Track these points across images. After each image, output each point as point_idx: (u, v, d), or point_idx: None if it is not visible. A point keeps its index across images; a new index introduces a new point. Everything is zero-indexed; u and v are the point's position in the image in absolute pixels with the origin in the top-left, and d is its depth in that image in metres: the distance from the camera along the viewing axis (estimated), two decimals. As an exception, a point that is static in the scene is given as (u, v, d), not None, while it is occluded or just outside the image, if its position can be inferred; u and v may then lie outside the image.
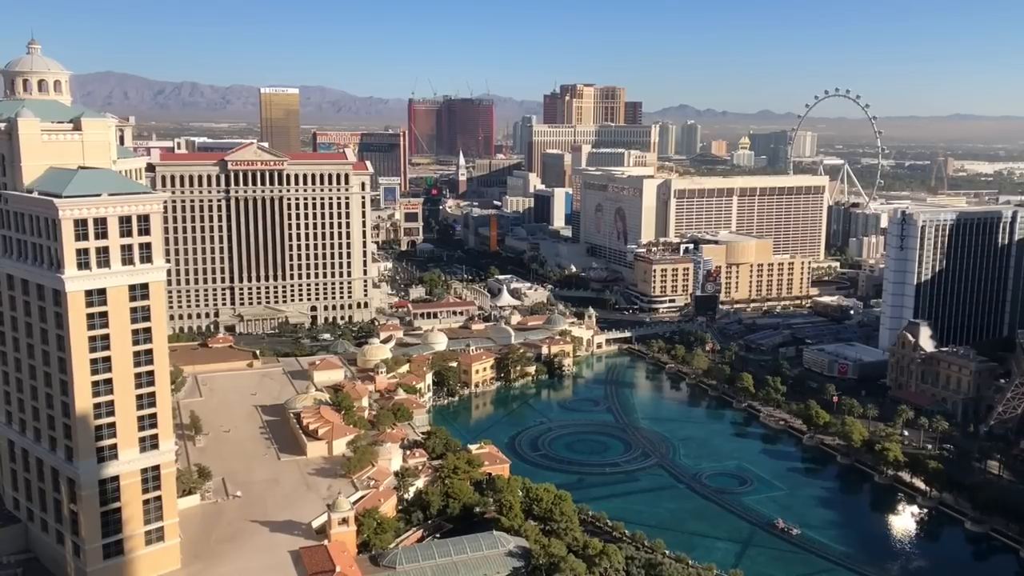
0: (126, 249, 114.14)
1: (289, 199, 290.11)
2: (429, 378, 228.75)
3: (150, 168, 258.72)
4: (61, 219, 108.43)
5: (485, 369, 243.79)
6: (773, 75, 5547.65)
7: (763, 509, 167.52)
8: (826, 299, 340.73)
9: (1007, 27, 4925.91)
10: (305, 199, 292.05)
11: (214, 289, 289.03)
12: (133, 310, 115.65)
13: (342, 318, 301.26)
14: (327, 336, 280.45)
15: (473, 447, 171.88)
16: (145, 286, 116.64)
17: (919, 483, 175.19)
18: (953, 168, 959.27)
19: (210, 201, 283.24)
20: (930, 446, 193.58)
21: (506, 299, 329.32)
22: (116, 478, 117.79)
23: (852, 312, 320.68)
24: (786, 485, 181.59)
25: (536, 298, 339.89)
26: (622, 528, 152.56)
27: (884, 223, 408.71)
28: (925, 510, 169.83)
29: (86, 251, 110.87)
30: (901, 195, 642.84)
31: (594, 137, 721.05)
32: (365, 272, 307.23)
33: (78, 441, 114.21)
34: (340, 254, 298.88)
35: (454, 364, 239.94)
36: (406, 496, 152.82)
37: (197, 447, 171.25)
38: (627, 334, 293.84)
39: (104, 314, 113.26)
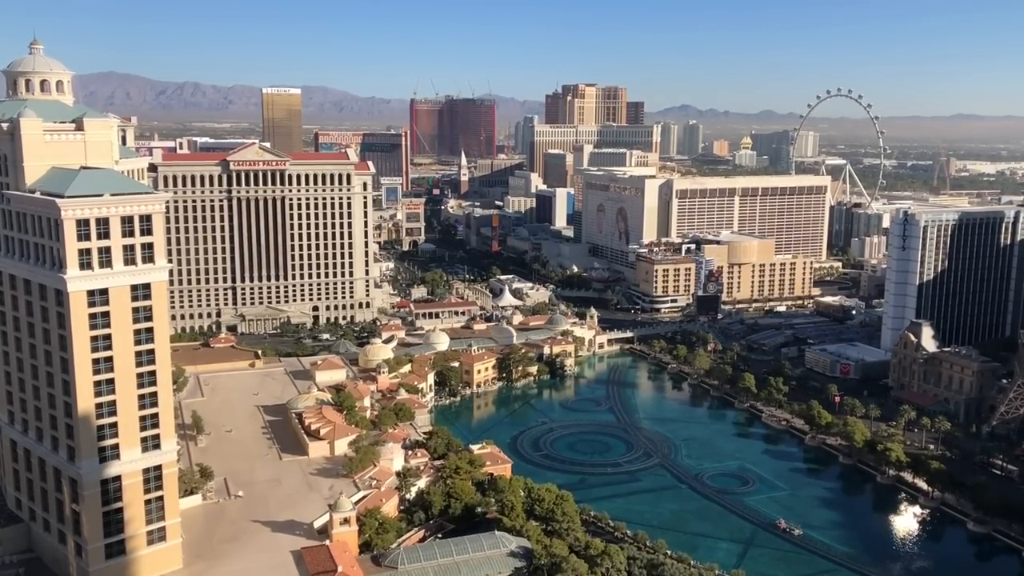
0: (128, 249, 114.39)
1: (291, 199, 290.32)
2: (431, 378, 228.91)
3: (152, 168, 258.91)
4: (63, 219, 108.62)
5: (487, 369, 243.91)
6: (775, 75, 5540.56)
7: (765, 509, 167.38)
8: (828, 299, 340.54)
9: (1009, 27, 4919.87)
10: (307, 199, 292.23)
11: (216, 289, 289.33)
12: (135, 310, 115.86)
13: (344, 318, 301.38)
14: (329, 336, 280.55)
15: (475, 447, 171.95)
16: (147, 286, 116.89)
17: (921, 483, 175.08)
18: (955, 168, 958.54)
19: (212, 201, 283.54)
20: (932, 446, 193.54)
21: (508, 299, 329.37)
22: (118, 478, 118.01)
23: (854, 312, 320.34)
24: (788, 485, 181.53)
25: (538, 298, 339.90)
26: (624, 528, 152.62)
27: (886, 223, 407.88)
28: (927, 510, 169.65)
29: (88, 251, 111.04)
30: (903, 195, 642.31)
31: (596, 137, 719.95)
32: (367, 272, 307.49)
33: (80, 441, 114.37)
34: (342, 254, 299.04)
35: (456, 364, 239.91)
36: (408, 496, 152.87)
37: (199, 447, 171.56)
38: (629, 334, 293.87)
39: (106, 314, 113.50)
